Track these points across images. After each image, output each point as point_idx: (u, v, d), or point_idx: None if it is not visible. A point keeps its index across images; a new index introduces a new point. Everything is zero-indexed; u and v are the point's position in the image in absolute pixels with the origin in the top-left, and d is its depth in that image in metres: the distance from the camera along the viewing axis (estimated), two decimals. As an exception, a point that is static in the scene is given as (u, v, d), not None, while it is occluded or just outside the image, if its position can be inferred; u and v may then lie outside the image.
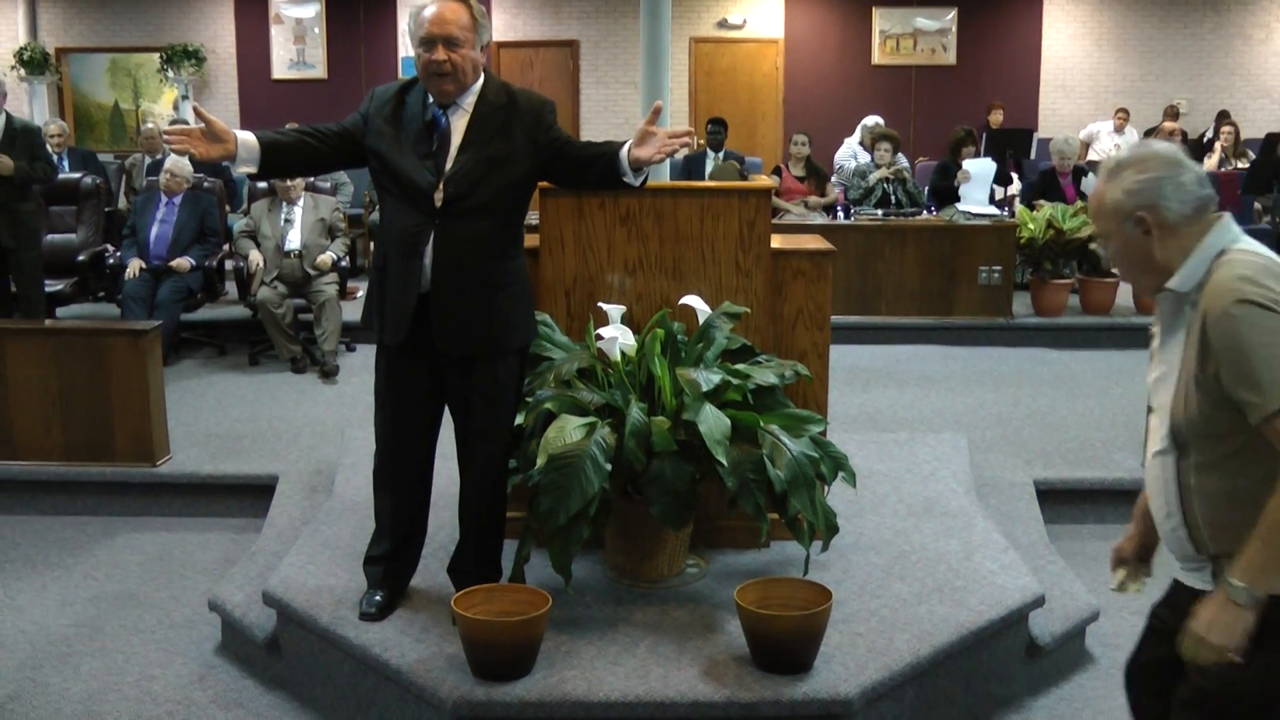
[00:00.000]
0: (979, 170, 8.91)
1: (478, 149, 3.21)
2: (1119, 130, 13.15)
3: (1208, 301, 1.97)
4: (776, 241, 3.87)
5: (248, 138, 3.17)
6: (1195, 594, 2.12)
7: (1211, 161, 11.45)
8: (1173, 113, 13.29)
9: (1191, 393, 2.01)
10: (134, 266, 7.11)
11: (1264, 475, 1.98)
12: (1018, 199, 9.37)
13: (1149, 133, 13.18)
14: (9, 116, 6.75)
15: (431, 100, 3.24)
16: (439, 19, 3.13)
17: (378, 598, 3.44)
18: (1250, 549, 1.95)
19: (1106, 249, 2.17)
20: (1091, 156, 12.71)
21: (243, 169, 3.20)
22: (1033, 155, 11.92)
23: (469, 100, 3.24)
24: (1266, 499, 1.96)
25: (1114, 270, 2.18)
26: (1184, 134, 11.91)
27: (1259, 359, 1.88)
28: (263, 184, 7.70)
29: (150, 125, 10.24)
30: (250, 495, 5.02)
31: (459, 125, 3.23)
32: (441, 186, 3.19)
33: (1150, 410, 2.18)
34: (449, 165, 3.21)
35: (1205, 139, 12.54)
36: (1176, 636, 2.11)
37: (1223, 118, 12.95)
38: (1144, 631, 2.36)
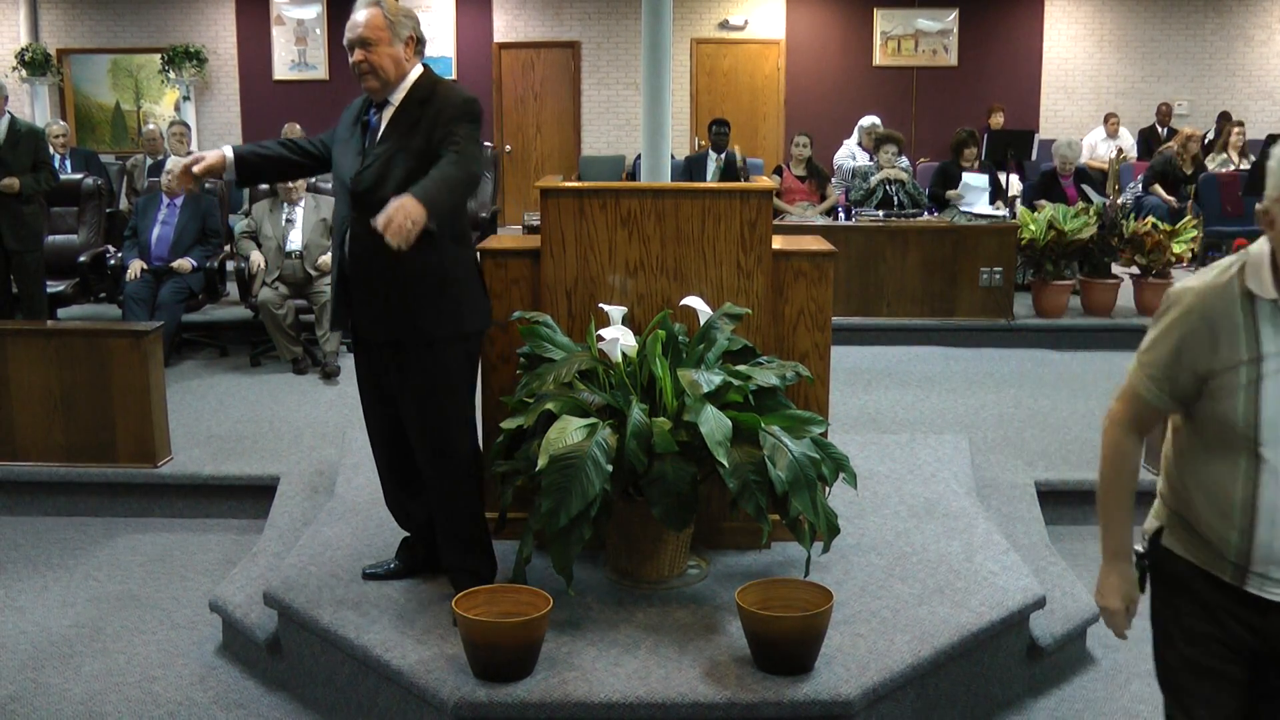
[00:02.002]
0: (973, 183, 8.90)
1: (392, 144, 3.33)
2: (1112, 135, 13.11)
3: None
4: (778, 242, 3.87)
5: (228, 153, 3.53)
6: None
7: (1214, 163, 11.44)
8: (1166, 111, 13.23)
9: None
10: (135, 267, 7.12)
11: None
12: (1019, 200, 9.35)
13: (1151, 139, 13.16)
14: (12, 119, 6.76)
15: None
16: (352, 24, 3.34)
17: (391, 565, 3.66)
18: None
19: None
20: (1092, 160, 12.68)
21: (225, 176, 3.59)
22: (1034, 157, 11.90)
23: (398, 96, 3.38)
24: None
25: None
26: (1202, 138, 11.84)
27: None
28: (264, 185, 7.70)
29: (152, 126, 10.24)
30: (251, 496, 5.03)
31: (385, 120, 3.38)
32: (355, 179, 3.34)
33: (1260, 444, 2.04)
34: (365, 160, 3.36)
35: (1207, 141, 12.53)
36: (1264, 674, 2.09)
37: (1224, 119, 12.94)
38: (1212, 690, 2.13)
